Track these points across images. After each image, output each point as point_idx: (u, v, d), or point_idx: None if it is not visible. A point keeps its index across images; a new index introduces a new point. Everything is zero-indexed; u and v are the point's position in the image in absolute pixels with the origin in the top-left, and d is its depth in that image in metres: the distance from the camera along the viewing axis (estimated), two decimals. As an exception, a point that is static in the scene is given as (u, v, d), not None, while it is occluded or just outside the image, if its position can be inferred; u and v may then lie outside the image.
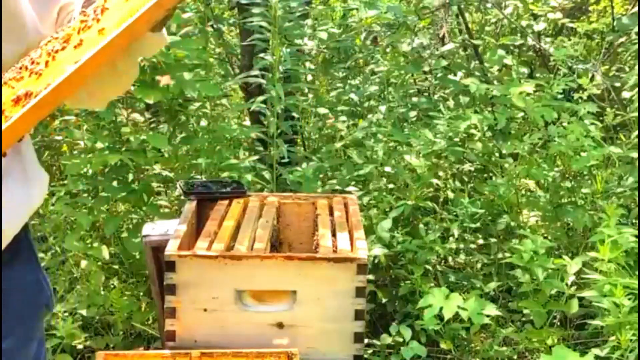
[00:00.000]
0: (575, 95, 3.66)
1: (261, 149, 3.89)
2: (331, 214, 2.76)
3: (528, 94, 3.54)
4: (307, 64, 4.46)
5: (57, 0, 1.37)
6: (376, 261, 3.31)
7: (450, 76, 4.23)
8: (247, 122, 4.49)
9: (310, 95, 4.39)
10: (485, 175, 4.02)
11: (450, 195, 3.71)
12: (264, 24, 3.61)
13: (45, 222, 3.98)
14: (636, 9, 4.29)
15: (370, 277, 3.22)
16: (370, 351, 3.07)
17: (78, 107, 1.53)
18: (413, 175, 3.59)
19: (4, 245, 1.36)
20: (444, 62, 4.17)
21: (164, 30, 1.36)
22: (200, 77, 3.60)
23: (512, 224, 3.62)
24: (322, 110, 4.29)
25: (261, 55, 3.76)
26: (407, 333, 2.86)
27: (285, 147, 3.61)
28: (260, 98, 3.69)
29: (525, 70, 4.40)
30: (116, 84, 1.41)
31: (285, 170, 3.60)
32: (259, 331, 2.31)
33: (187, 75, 3.41)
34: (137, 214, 3.61)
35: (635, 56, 4.47)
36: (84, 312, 3.30)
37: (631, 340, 2.55)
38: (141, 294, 3.43)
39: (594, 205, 3.51)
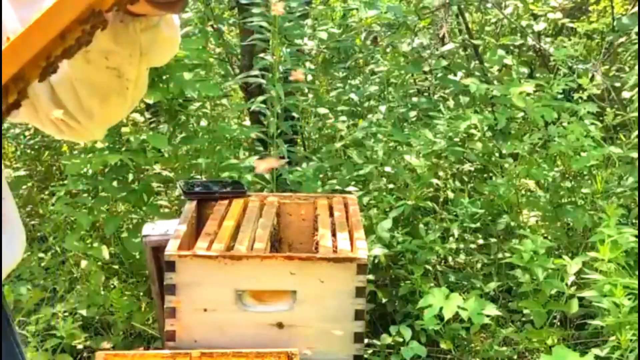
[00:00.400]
0: (575, 95, 3.66)
1: (261, 149, 3.89)
2: (331, 214, 2.76)
3: (528, 94, 3.54)
4: (307, 64, 4.46)
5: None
6: (376, 261, 3.31)
7: (450, 76, 4.23)
8: (247, 122, 4.49)
9: (310, 95, 4.39)
10: (485, 175, 4.02)
11: (450, 195, 3.71)
12: (264, 24, 3.61)
13: (45, 222, 3.98)
14: (636, 9, 4.29)
15: (370, 277, 3.22)
16: (370, 351, 3.07)
17: (76, 138, 1.28)
18: (413, 175, 3.59)
19: None
20: (444, 62, 4.17)
21: (177, 24, 1.16)
22: (200, 77, 3.60)
23: (512, 224, 3.61)
24: (322, 110, 4.29)
25: (261, 55, 3.76)
26: (407, 333, 2.86)
27: (285, 147, 3.61)
28: (260, 98, 3.70)
29: (525, 70, 4.40)
30: (120, 96, 1.18)
31: (285, 170, 3.61)
32: (259, 331, 2.31)
33: (187, 75, 3.41)
34: (137, 214, 3.61)
35: (635, 56, 4.47)
36: (84, 312, 3.30)
37: (631, 340, 2.55)
38: (141, 294, 3.43)
39: (594, 205, 3.50)
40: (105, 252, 3.40)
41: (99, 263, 3.52)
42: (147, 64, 1.18)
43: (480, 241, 3.65)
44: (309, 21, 4.25)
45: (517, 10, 4.63)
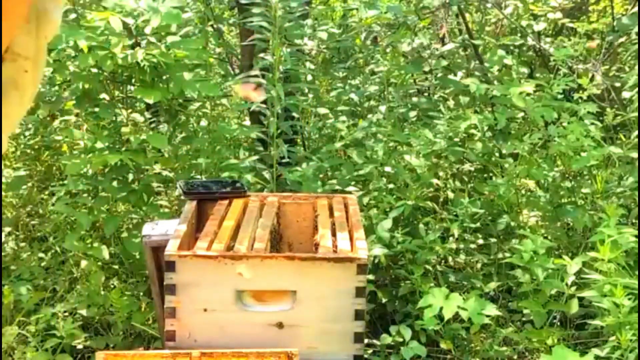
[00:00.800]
0: (575, 95, 3.66)
1: (261, 149, 3.89)
2: (331, 214, 2.76)
3: (528, 94, 3.54)
4: (307, 64, 4.46)
5: None
6: (376, 261, 3.31)
7: (450, 76, 4.23)
8: (247, 122, 4.50)
9: (310, 95, 4.39)
10: (485, 175, 4.02)
11: (450, 195, 3.71)
12: (264, 24, 3.62)
13: (45, 222, 3.98)
14: (636, 9, 4.29)
15: (370, 277, 3.22)
16: (370, 351, 3.07)
17: None
18: (413, 175, 3.59)
19: None
20: (444, 62, 4.17)
21: None
22: (200, 77, 3.60)
23: (512, 224, 3.61)
24: (322, 110, 4.29)
25: (261, 55, 3.76)
26: (407, 333, 2.86)
27: (285, 147, 3.61)
28: (260, 98, 3.70)
29: (525, 70, 4.40)
30: (17, 87, 0.92)
31: (285, 170, 3.61)
32: (259, 331, 2.31)
33: (187, 75, 3.41)
34: (137, 214, 3.61)
35: (635, 56, 4.47)
36: (84, 312, 3.30)
37: (631, 340, 2.55)
38: (141, 294, 3.43)
39: (594, 205, 3.50)
40: (105, 252, 3.40)
41: (99, 263, 3.52)
42: (44, 32, 0.94)
43: (480, 241, 3.65)
44: (309, 21, 4.25)
45: (517, 10, 4.63)
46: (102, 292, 3.37)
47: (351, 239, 2.49)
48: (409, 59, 4.36)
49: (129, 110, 3.79)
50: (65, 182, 3.61)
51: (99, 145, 3.43)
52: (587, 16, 5.10)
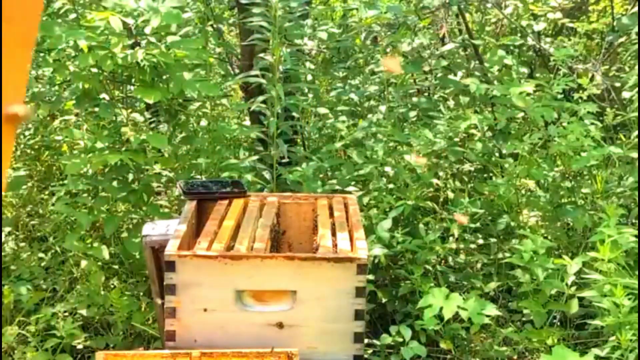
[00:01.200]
0: (575, 95, 3.66)
1: (261, 149, 3.89)
2: (331, 214, 2.76)
3: (528, 94, 3.54)
4: (307, 64, 4.46)
5: None
6: (376, 261, 3.31)
7: (450, 76, 4.23)
8: (247, 122, 4.50)
9: (310, 95, 4.39)
10: (485, 175, 4.02)
11: (450, 195, 3.71)
12: (264, 24, 3.61)
13: (45, 222, 3.98)
14: (636, 9, 4.29)
15: (370, 277, 3.22)
16: (370, 351, 3.07)
17: None
18: (413, 175, 3.59)
19: None
20: (444, 62, 4.17)
21: None
22: (200, 77, 3.60)
23: (512, 224, 3.61)
24: (322, 110, 4.29)
25: (261, 55, 3.76)
26: (407, 333, 2.86)
27: (285, 147, 3.61)
28: (260, 98, 3.70)
29: (525, 70, 4.40)
30: None
31: (285, 170, 3.61)
32: (259, 331, 2.31)
33: (187, 75, 3.41)
34: (137, 214, 3.61)
35: (635, 56, 4.47)
36: (84, 312, 3.30)
37: (631, 340, 2.55)
38: (141, 294, 3.43)
39: (594, 205, 3.50)
40: (105, 252, 3.40)
41: (99, 263, 3.52)
42: None
43: (480, 241, 3.65)
44: (309, 21, 4.25)
45: (517, 10, 4.63)
46: (102, 292, 3.37)
47: (351, 239, 2.49)
48: (409, 59, 4.36)
49: (129, 110, 3.79)
50: (65, 182, 3.61)
51: (99, 145, 3.43)
52: (587, 16, 5.10)
